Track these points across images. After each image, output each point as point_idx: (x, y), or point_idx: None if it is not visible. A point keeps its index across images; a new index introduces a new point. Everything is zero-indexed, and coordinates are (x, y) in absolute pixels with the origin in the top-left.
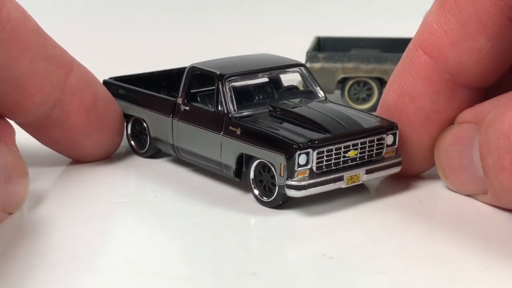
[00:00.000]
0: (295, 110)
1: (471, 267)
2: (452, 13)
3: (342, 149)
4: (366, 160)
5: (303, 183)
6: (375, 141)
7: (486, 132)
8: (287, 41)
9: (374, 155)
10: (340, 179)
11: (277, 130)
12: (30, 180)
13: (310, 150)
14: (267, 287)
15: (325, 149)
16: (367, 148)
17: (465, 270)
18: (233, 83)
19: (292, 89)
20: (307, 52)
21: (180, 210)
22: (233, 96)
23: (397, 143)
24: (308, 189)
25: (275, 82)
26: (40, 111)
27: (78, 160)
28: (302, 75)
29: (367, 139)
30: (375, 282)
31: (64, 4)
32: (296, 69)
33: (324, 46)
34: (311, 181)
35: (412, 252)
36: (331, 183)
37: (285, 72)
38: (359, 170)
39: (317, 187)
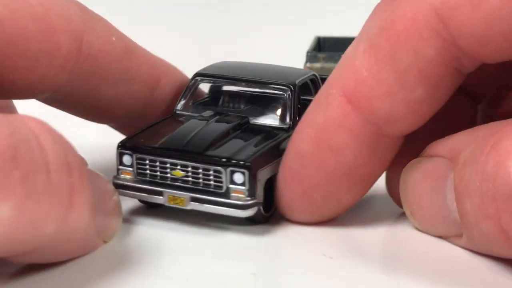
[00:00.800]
0: (191, 120)
1: (471, 267)
2: (387, 61)
3: (169, 165)
4: (197, 187)
5: (119, 182)
6: (211, 171)
7: (464, 173)
8: (287, 41)
9: (211, 186)
10: (160, 194)
11: (154, 131)
12: (120, 215)
13: (131, 152)
14: (267, 287)
15: (147, 157)
16: (201, 175)
17: (465, 270)
18: (207, 83)
19: (268, 107)
20: (307, 52)
21: (180, 210)
22: (189, 94)
23: (247, 185)
24: (123, 190)
25: (264, 97)
26: (125, 122)
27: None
28: (283, 98)
29: (201, 166)
30: (375, 282)
31: None
32: (280, 92)
33: (324, 46)
34: (129, 183)
35: (412, 252)
36: (148, 194)
37: (268, 88)
38: (185, 194)
39: (133, 191)
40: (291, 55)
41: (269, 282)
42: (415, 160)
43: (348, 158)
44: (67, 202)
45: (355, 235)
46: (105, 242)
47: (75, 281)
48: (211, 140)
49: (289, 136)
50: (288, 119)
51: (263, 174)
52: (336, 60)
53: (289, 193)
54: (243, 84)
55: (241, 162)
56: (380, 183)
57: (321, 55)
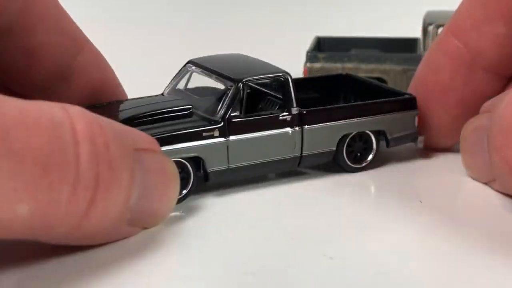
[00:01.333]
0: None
1: (472, 267)
2: None
3: None
4: None
5: None
6: None
7: (491, 116)
8: (287, 41)
9: None
10: None
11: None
12: (175, 202)
13: None
14: (267, 287)
15: None
16: None
17: (465, 270)
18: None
19: (215, 99)
20: (307, 52)
21: (180, 210)
22: (177, 79)
23: None
24: None
25: (220, 89)
26: (45, 83)
27: None
28: (226, 92)
29: None
30: (375, 282)
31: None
32: (228, 86)
33: (324, 46)
34: None
35: (412, 252)
36: None
37: (222, 82)
38: None
39: None
40: (291, 55)
41: (269, 282)
42: (470, 120)
43: (444, 78)
44: (84, 209)
45: (355, 235)
46: (145, 228)
47: (74, 279)
48: (135, 115)
49: (210, 128)
50: (220, 112)
51: None
52: (336, 60)
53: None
54: (211, 75)
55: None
56: (380, 183)
57: (321, 55)
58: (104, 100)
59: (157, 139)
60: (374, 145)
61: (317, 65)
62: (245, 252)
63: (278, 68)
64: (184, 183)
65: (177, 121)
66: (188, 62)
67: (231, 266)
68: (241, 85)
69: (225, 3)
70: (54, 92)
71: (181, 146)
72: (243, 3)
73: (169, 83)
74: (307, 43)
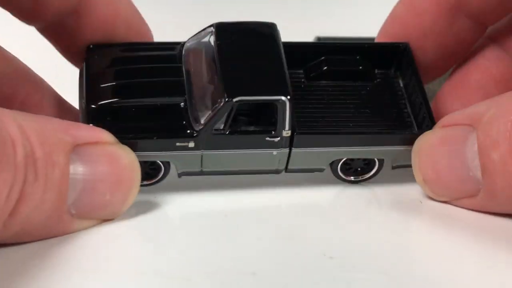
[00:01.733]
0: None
1: (471, 267)
2: None
3: None
4: None
5: None
6: None
7: (490, 128)
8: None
9: None
10: None
11: None
12: (135, 191)
13: None
14: (267, 287)
15: None
16: None
17: (465, 270)
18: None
19: None
20: None
21: (180, 210)
22: (196, 36)
23: None
24: None
25: None
26: (56, 15)
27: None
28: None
29: None
30: (375, 282)
31: None
32: None
33: None
34: None
35: (412, 252)
36: None
37: None
38: None
39: None
40: None
41: (269, 282)
42: (427, 132)
43: (427, 22)
44: (10, 207)
45: (355, 235)
46: (107, 220)
47: (75, 280)
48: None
49: (184, 139)
50: (201, 124)
51: None
52: None
53: None
54: (215, 66)
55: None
56: (381, 183)
57: None
58: (119, 35)
59: (128, 143)
60: (376, 167)
61: None
62: (245, 252)
63: (280, 90)
64: (155, 173)
65: (160, 118)
66: (214, 25)
67: (231, 266)
68: (232, 104)
69: (226, 3)
70: (65, 28)
71: (152, 153)
72: (243, 3)
73: (193, 36)
74: None
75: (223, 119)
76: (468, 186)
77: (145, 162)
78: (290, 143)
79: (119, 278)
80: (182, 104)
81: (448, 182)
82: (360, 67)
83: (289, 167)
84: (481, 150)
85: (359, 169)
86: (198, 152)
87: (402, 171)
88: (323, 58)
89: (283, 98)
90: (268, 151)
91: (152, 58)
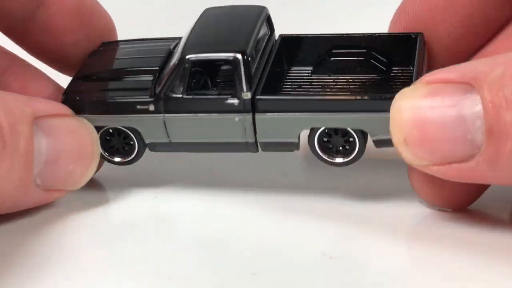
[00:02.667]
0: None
1: (471, 267)
2: None
3: None
4: None
5: None
6: None
7: (502, 87)
8: None
9: None
10: None
11: None
12: (96, 162)
13: None
14: (267, 287)
15: None
16: None
17: (465, 270)
18: None
19: None
20: None
21: (180, 210)
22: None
23: None
24: None
25: None
26: (22, 10)
27: (69, 73)
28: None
29: None
30: (375, 282)
31: None
32: None
33: None
34: None
35: (412, 252)
36: None
37: None
38: None
39: None
40: None
41: (269, 282)
42: (408, 88)
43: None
44: None
45: (355, 235)
46: (70, 191)
47: (74, 280)
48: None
49: (144, 102)
50: (159, 87)
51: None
52: None
53: None
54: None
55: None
56: (381, 183)
57: None
58: (84, 23)
59: (94, 104)
60: (357, 143)
61: None
62: (245, 252)
63: (235, 47)
64: (130, 149)
65: (128, 86)
66: (204, 11)
67: (231, 266)
68: (185, 62)
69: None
70: (34, 20)
71: (115, 117)
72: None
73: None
74: None
75: (180, 81)
76: (461, 149)
77: (119, 135)
78: (254, 108)
79: (119, 278)
80: (151, 77)
81: (437, 143)
82: (371, 60)
83: (258, 139)
84: (489, 110)
85: (340, 148)
86: (160, 116)
87: (403, 169)
88: (331, 52)
89: (237, 55)
90: (230, 116)
91: (146, 49)
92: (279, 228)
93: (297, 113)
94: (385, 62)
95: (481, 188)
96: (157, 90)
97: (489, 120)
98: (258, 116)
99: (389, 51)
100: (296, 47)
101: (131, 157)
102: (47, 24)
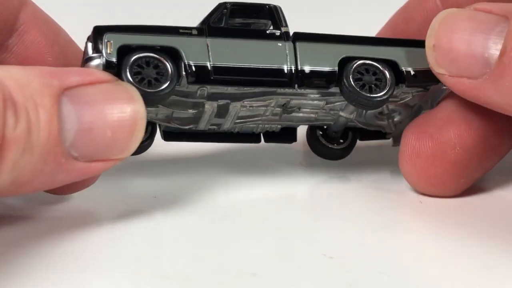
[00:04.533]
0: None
1: (470, 267)
2: None
3: None
4: None
5: None
6: None
7: None
8: None
9: None
10: None
11: None
12: (141, 127)
13: None
14: (267, 287)
15: None
16: None
17: (465, 270)
18: None
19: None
20: None
21: (180, 210)
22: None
23: None
24: None
25: None
26: None
27: None
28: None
29: None
30: (375, 282)
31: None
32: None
33: None
34: None
35: (412, 252)
36: None
37: None
38: None
39: None
40: None
41: (269, 282)
42: (456, 9)
43: (412, 27)
44: None
45: (355, 235)
46: (120, 159)
47: (74, 280)
48: None
49: (187, 27)
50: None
51: None
52: None
53: None
54: None
55: None
56: (381, 183)
57: None
58: (60, 52)
59: (133, 26)
60: (388, 78)
61: None
62: (245, 252)
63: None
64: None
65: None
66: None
67: (231, 266)
68: (224, 4)
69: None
70: (8, 48)
71: (156, 35)
72: None
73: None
74: None
75: (220, 19)
76: (476, 65)
77: (149, 65)
78: (294, 38)
79: (118, 278)
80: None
81: (459, 54)
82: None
83: (299, 66)
84: (509, 36)
85: (372, 86)
86: (203, 39)
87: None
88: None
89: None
90: (273, 42)
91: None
92: (279, 228)
93: (334, 43)
94: None
95: (470, 177)
96: (200, 23)
97: (505, 44)
98: (299, 43)
99: None
100: None
101: (163, 87)
102: (22, 54)
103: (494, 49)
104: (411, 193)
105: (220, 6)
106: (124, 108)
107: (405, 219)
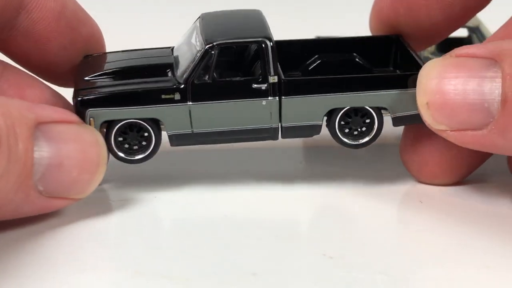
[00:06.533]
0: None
1: (471, 267)
2: None
3: None
4: None
5: None
6: None
7: None
8: None
9: None
10: None
11: None
12: (103, 170)
13: None
14: (267, 287)
15: None
16: None
17: (465, 270)
18: None
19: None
20: None
21: (180, 211)
22: (189, 34)
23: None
24: None
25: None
26: (2, 17)
27: (55, 82)
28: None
29: None
30: (375, 282)
31: None
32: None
33: None
34: None
35: (412, 252)
36: None
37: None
38: None
39: None
40: None
41: (269, 282)
42: (438, 58)
43: None
44: None
45: (355, 235)
46: (77, 199)
47: (74, 280)
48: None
49: (169, 90)
50: (184, 75)
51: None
52: None
53: None
54: (199, 34)
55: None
56: (381, 183)
57: None
58: (68, 29)
59: (113, 96)
60: (376, 122)
61: None
62: (245, 252)
63: (261, 32)
64: (146, 145)
65: (146, 79)
66: (200, 16)
67: (231, 266)
68: (210, 48)
69: (226, 3)
70: (15, 27)
71: (138, 107)
72: (243, 3)
73: (182, 35)
74: None
75: (207, 68)
76: (477, 116)
77: (138, 132)
78: (279, 92)
79: (118, 278)
80: (168, 71)
81: (456, 109)
82: (356, 59)
83: (283, 123)
84: (506, 81)
85: (359, 129)
86: (185, 106)
87: (403, 169)
88: (316, 56)
89: (265, 39)
90: (257, 100)
91: (144, 52)
92: (279, 228)
93: (321, 94)
94: (367, 64)
95: (470, 165)
96: (182, 79)
97: (505, 91)
98: (285, 99)
99: (369, 53)
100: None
101: (147, 153)
102: (30, 30)
103: (493, 98)
104: (411, 193)
105: (207, 51)
106: (90, 151)
107: (405, 219)
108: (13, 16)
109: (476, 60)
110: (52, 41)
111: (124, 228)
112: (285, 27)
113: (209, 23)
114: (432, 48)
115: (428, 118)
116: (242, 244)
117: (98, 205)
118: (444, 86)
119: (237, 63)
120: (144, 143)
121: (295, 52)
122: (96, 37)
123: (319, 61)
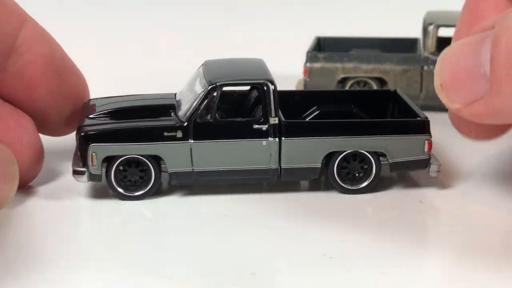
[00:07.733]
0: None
1: (471, 267)
2: None
3: None
4: None
5: None
6: None
7: (505, 19)
8: (287, 41)
9: None
10: None
11: None
12: (16, 184)
13: None
14: (267, 287)
15: None
16: None
17: (465, 270)
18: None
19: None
20: (307, 52)
21: (180, 210)
22: (192, 80)
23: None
24: None
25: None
26: None
27: (43, 128)
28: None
29: None
30: (375, 282)
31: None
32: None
33: (324, 46)
34: None
35: (412, 252)
36: None
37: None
38: None
39: None
40: (291, 55)
41: (269, 282)
42: (452, 44)
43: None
44: None
45: (355, 235)
46: None
47: (74, 280)
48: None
49: (172, 128)
50: (187, 114)
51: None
52: (336, 60)
53: None
54: (202, 78)
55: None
56: (381, 183)
57: (321, 55)
58: (56, 74)
59: (116, 132)
60: (374, 168)
61: (317, 65)
62: (245, 252)
63: (263, 75)
64: (145, 181)
65: (148, 118)
66: (204, 63)
67: (231, 266)
68: (213, 88)
69: (226, 3)
70: (7, 68)
71: (140, 144)
72: (243, 3)
73: (185, 81)
74: (307, 43)
75: (209, 109)
76: (479, 84)
77: (136, 166)
78: (280, 133)
79: (118, 278)
80: (171, 111)
81: (462, 82)
82: (354, 111)
83: (282, 164)
84: (494, 41)
85: (357, 174)
86: (187, 144)
87: (405, 175)
88: (315, 107)
89: (267, 81)
90: (258, 141)
91: (146, 96)
92: (279, 228)
93: (320, 137)
94: (364, 115)
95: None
96: (184, 118)
97: (492, 49)
98: (285, 140)
99: (367, 105)
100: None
101: (146, 190)
102: (20, 73)
103: (486, 61)
104: (411, 193)
105: (210, 92)
106: (7, 166)
107: (405, 219)
108: (4, 58)
109: (483, 33)
110: (40, 86)
111: (124, 228)
112: (285, 27)
113: (212, 68)
114: (432, 48)
115: (444, 99)
116: (242, 244)
117: (98, 205)
118: (452, 65)
119: (238, 109)
120: (143, 179)
121: (294, 103)
122: (82, 85)
123: (317, 112)
